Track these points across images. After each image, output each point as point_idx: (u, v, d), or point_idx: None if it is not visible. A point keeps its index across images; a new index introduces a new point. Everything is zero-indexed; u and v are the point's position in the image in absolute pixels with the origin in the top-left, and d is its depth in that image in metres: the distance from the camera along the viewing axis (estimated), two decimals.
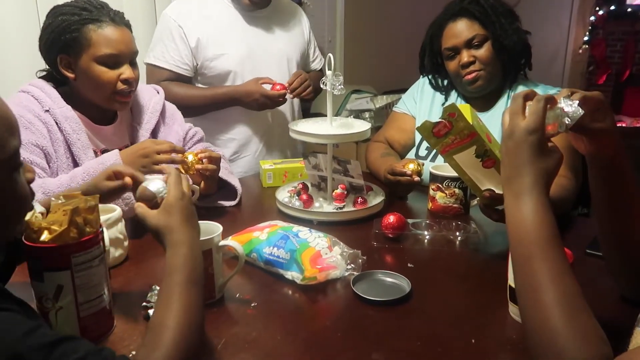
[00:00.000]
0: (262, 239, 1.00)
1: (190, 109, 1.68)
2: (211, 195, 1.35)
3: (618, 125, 4.65)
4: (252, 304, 0.87)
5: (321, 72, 1.95)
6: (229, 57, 1.67)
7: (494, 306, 0.86)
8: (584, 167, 1.39)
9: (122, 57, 1.21)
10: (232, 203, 1.37)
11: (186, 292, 0.67)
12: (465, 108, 0.98)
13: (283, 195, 1.34)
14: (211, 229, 0.87)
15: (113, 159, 1.13)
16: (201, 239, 0.83)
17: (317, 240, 0.98)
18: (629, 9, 4.85)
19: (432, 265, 1.04)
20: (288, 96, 1.61)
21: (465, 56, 1.38)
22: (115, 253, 0.99)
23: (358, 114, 3.12)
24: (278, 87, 1.58)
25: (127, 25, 1.23)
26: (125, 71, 1.21)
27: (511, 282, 0.80)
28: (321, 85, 1.26)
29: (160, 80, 1.66)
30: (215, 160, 1.25)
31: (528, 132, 0.66)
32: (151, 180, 0.79)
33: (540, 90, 1.41)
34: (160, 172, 1.09)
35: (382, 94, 3.40)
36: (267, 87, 1.59)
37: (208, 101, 1.68)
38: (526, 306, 0.61)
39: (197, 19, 1.66)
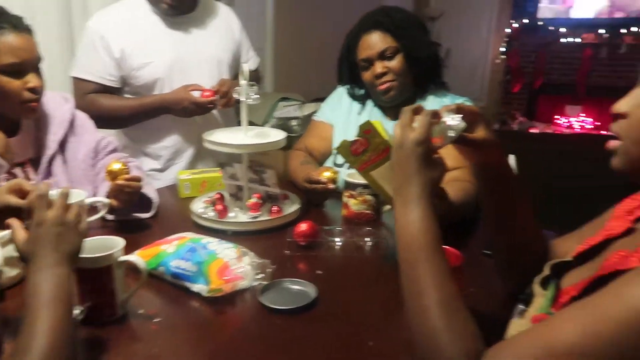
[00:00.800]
0: (170, 251, 0.99)
1: (119, 120, 1.66)
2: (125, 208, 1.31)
3: (532, 131, 4.98)
4: (155, 319, 0.86)
5: (257, 72, 1.95)
6: (155, 65, 1.64)
7: (396, 309, 0.90)
8: None
9: (26, 65, 1.15)
10: (148, 215, 1.34)
11: (50, 313, 0.66)
12: (378, 124, 1.02)
13: (198, 206, 1.33)
14: (111, 244, 0.85)
15: None
16: (100, 254, 0.81)
17: (226, 252, 0.98)
18: (540, 22, 5.22)
19: (342, 271, 1.07)
20: (217, 103, 1.59)
21: (378, 67, 1.43)
22: (10, 272, 0.94)
23: (285, 122, 3.15)
24: (207, 93, 1.57)
25: (29, 30, 1.18)
26: (31, 80, 1.15)
27: None
28: (234, 95, 1.26)
29: (87, 92, 1.61)
30: (136, 188, 1.24)
31: (416, 144, 0.70)
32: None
33: (449, 100, 1.50)
34: None
35: (310, 102, 3.45)
36: (197, 93, 1.57)
37: (136, 111, 1.64)
38: (410, 308, 0.65)
39: (120, 28, 1.62)
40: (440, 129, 0.74)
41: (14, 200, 0.81)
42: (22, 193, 0.82)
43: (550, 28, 5.15)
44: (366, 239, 1.17)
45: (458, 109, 0.75)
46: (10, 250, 0.94)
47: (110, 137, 1.51)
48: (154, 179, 1.70)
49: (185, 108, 1.58)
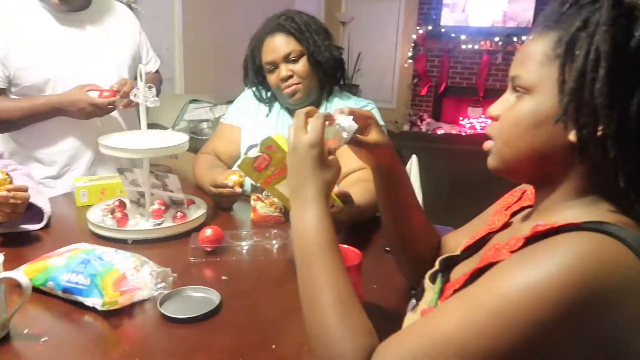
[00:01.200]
0: (60, 265, 0.92)
1: (6, 123, 1.51)
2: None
3: (438, 132, 5.26)
4: (42, 339, 0.80)
5: (158, 74, 1.87)
6: (45, 65, 1.51)
7: (299, 310, 0.90)
8: None
9: None
10: (38, 226, 1.24)
11: None
12: (280, 138, 1.02)
13: (95, 214, 1.25)
14: None
15: None
16: None
17: (123, 262, 0.93)
18: (443, 29, 5.54)
19: (247, 275, 1.06)
20: (117, 104, 1.50)
21: (283, 70, 1.44)
22: None
23: (196, 124, 3.07)
24: (106, 93, 1.47)
25: None
26: None
27: None
28: (131, 97, 1.21)
29: None
30: (22, 198, 1.13)
31: (310, 146, 0.71)
32: None
33: (353, 103, 1.54)
34: None
35: (223, 104, 3.39)
36: (95, 94, 1.47)
37: (26, 113, 1.50)
38: (306, 307, 0.65)
39: (6, 26, 1.48)
40: (334, 131, 0.76)
41: None
42: None
43: (452, 35, 5.48)
44: (273, 242, 1.17)
45: (350, 112, 0.77)
46: None
47: None
48: (47, 187, 1.58)
49: (82, 109, 1.47)
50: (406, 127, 5.60)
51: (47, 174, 1.62)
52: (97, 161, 1.66)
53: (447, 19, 5.58)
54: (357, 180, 1.39)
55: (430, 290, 0.69)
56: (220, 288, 0.94)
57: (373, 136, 0.80)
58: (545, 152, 0.59)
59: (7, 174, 1.12)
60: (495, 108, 0.65)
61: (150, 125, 1.73)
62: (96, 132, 1.63)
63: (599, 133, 0.54)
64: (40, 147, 1.60)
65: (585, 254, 0.49)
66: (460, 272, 0.69)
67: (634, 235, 0.51)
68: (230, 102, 3.43)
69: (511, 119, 0.62)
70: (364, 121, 0.79)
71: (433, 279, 0.72)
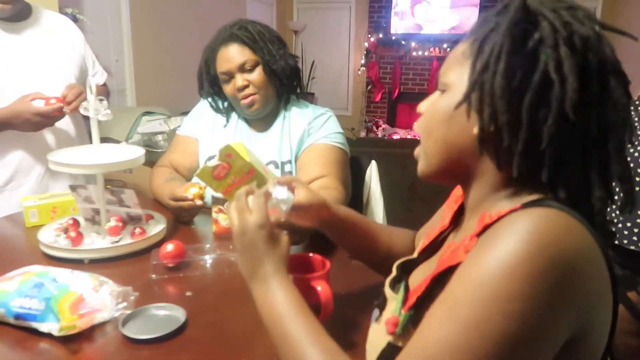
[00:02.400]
0: (11, 290, 0.87)
1: None
2: None
3: (394, 137, 5.35)
4: None
5: (105, 87, 1.82)
6: None
7: None
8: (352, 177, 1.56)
9: None
10: None
11: None
12: (238, 146, 1.00)
13: (47, 234, 1.19)
14: None
15: None
16: None
17: (80, 283, 0.89)
18: (394, 37, 5.67)
19: (212, 289, 1.04)
20: (66, 109, 1.43)
21: (239, 80, 1.42)
22: None
23: (150, 137, 2.99)
24: (52, 100, 1.41)
25: None
26: None
27: None
28: (82, 111, 1.16)
29: None
30: None
31: (259, 227, 0.72)
32: None
33: (311, 111, 1.54)
34: None
35: (178, 115, 3.32)
36: (40, 103, 1.40)
37: None
38: None
39: None
40: (272, 204, 0.77)
41: None
42: None
43: (403, 42, 5.62)
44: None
45: (280, 182, 0.79)
46: None
47: None
48: None
49: (28, 120, 1.41)
50: (362, 134, 5.67)
51: None
52: (49, 176, 1.59)
53: (397, 27, 5.71)
54: (319, 188, 1.38)
55: (393, 299, 0.68)
56: (185, 304, 0.91)
57: (302, 197, 0.82)
58: (457, 144, 0.62)
59: None
60: (422, 105, 0.69)
61: (103, 139, 1.68)
62: (46, 145, 1.57)
63: (496, 124, 0.57)
64: None
65: (539, 225, 0.51)
66: (419, 276, 0.69)
67: (570, 210, 0.54)
68: (184, 113, 3.37)
69: (430, 112, 0.66)
70: (290, 186, 0.82)
71: (393, 286, 0.72)
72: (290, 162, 1.47)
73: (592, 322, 0.54)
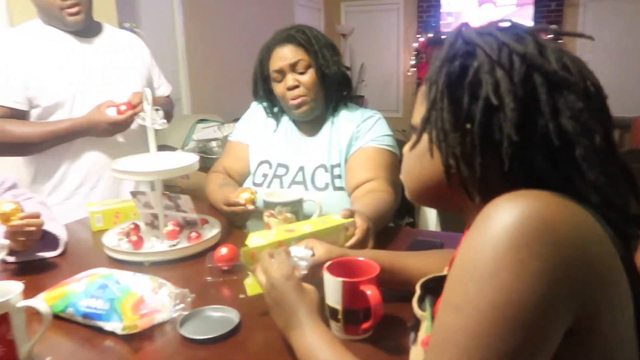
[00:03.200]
0: (79, 291, 0.92)
1: (29, 147, 1.58)
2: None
3: None
4: None
5: (169, 98, 1.91)
6: (65, 85, 1.58)
7: None
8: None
9: None
10: (55, 253, 1.25)
11: None
12: (256, 237, 1.01)
13: (111, 238, 1.26)
14: (7, 289, 0.78)
15: None
16: None
17: (141, 285, 0.93)
18: (443, 36, 5.56)
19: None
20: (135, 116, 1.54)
21: (290, 79, 1.45)
22: None
23: (205, 144, 3.09)
24: (122, 107, 1.52)
25: None
26: None
27: (328, 301, 0.84)
28: (139, 121, 1.22)
29: None
30: (37, 225, 1.15)
31: (286, 279, 0.78)
32: None
33: (359, 114, 1.54)
34: None
35: (231, 122, 3.41)
36: (112, 110, 1.52)
37: (50, 137, 1.56)
38: None
39: (27, 50, 1.56)
40: (293, 262, 0.85)
41: None
42: None
43: None
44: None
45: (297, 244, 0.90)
46: None
47: (8, 173, 1.40)
48: (70, 207, 1.60)
49: (104, 129, 1.54)
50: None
51: (68, 196, 1.65)
52: (118, 181, 1.69)
53: (447, 26, 5.60)
54: (368, 192, 1.38)
55: (424, 318, 0.67)
56: (238, 306, 0.94)
57: (320, 253, 0.90)
58: (432, 179, 0.64)
59: (18, 204, 1.13)
60: (405, 147, 0.72)
61: (160, 147, 1.76)
62: (114, 151, 1.67)
63: (454, 158, 0.59)
64: (60, 167, 1.64)
65: (525, 199, 0.50)
66: None
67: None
68: (237, 119, 3.46)
69: (406, 153, 0.70)
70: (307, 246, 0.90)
71: (419, 306, 0.70)
72: (339, 165, 1.48)
73: (600, 309, 0.51)
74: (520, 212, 0.49)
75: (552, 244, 0.48)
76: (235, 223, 1.41)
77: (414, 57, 5.78)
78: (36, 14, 1.63)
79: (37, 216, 1.16)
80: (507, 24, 0.60)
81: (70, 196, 1.66)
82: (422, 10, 5.72)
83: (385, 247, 1.24)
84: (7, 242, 1.14)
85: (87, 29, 1.64)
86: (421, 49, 5.70)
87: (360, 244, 1.10)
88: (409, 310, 0.89)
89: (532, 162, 0.55)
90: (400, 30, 5.96)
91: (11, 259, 1.18)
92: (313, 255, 0.89)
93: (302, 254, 0.86)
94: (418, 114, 0.65)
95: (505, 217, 0.49)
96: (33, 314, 0.81)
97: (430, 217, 1.68)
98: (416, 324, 0.68)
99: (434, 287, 0.69)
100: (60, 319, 0.92)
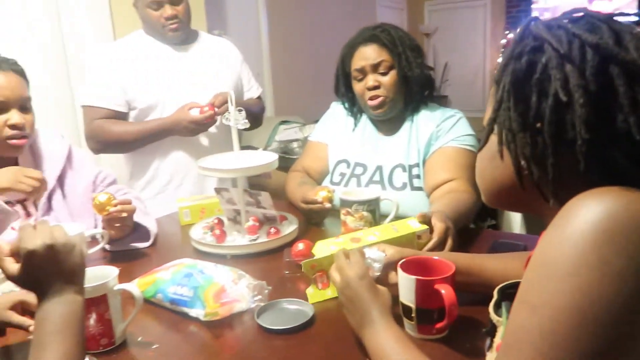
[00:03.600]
0: (167, 278, 1.00)
1: (126, 145, 1.74)
2: (123, 239, 1.32)
3: None
4: (154, 346, 0.86)
5: (259, 100, 2.00)
6: (159, 90, 1.72)
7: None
8: None
9: (8, 103, 1.20)
10: (146, 244, 1.35)
11: (59, 343, 0.64)
12: (319, 244, 1.02)
13: (197, 231, 1.34)
14: (106, 273, 0.86)
15: None
16: (95, 284, 0.82)
17: (222, 275, 0.98)
18: None
19: None
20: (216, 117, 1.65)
21: (370, 79, 1.45)
22: None
23: (287, 144, 3.17)
24: (205, 108, 1.62)
25: (16, 71, 1.22)
26: (13, 116, 1.19)
27: (401, 299, 0.83)
28: (223, 121, 1.28)
29: (94, 118, 1.70)
30: (129, 211, 1.26)
31: (360, 278, 0.79)
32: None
33: (439, 113, 1.51)
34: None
35: (311, 123, 3.48)
36: (195, 111, 1.63)
37: (141, 135, 1.71)
38: None
39: (127, 59, 1.72)
40: (367, 264, 0.86)
41: (15, 318, 0.84)
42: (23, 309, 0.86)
43: None
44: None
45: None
46: (11, 286, 0.95)
47: (109, 170, 1.54)
48: (160, 202, 1.73)
49: (186, 127, 1.64)
50: None
51: (160, 191, 1.78)
52: (203, 178, 1.80)
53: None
54: (448, 192, 1.35)
55: (500, 324, 0.65)
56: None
57: (391, 254, 0.90)
58: (505, 182, 0.62)
59: (111, 194, 1.24)
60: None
61: (244, 147, 1.84)
62: (199, 150, 1.78)
63: (525, 158, 0.56)
64: (151, 163, 1.79)
65: (604, 198, 0.47)
66: None
67: None
68: (317, 121, 3.52)
69: (478, 156, 0.69)
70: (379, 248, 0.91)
71: (495, 311, 0.67)
72: (417, 165, 1.46)
73: None
74: (605, 209, 0.46)
75: (639, 242, 0.45)
76: (313, 220, 1.44)
77: (501, 55, 5.53)
78: (140, 25, 1.78)
79: (129, 202, 1.26)
80: (580, 14, 0.57)
81: (161, 192, 1.79)
82: (512, 5, 5.46)
83: (466, 250, 1.20)
84: (107, 232, 1.25)
85: (184, 39, 1.77)
86: (509, 45, 5.45)
87: (440, 246, 1.07)
88: (486, 313, 0.87)
89: (611, 159, 0.52)
90: (487, 27, 5.73)
91: (108, 247, 1.30)
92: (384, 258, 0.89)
93: (375, 256, 0.87)
94: (487, 113, 0.64)
95: (588, 213, 0.47)
96: (126, 298, 0.89)
97: (514, 219, 1.60)
98: (492, 330, 0.66)
99: (512, 294, 0.67)
100: (150, 304, 0.99)
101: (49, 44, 2.24)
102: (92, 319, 0.83)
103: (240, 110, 1.27)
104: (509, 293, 0.66)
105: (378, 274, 0.86)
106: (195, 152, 1.74)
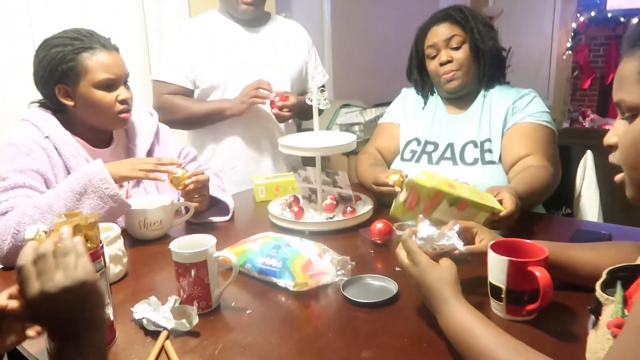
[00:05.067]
0: (255, 249, 1.05)
1: (192, 121, 1.80)
2: (203, 212, 1.39)
3: (604, 127, 4.70)
4: (247, 311, 0.92)
5: (323, 87, 2.02)
6: (220, 73, 1.77)
7: (476, 304, 0.90)
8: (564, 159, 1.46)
9: (118, 79, 1.27)
10: (225, 218, 1.41)
11: None
12: (419, 178, 1.06)
13: (275, 208, 1.39)
14: (205, 241, 0.92)
15: (98, 169, 1.16)
16: (196, 250, 0.88)
17: (308, 249, 1.02)
18: (610, 14, 4.98)
19: None
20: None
21: (443, 55, 1.47)
22: (115, 269, 1.03)
23: (348, 128, 3.19)
24: (277, 98, 1.68)
25: (117, 49, 1.30)
26: (122, 92, 1.28)
27: (491, 279, 0.84)
28: (307, 101, 1.32)
29: (163, 92, 1.77)
30: (204, 180, 1.31)
31: (415, 265, 0.82)
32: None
33: (515, 92, 1.49)
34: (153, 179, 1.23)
35: (371, 107, 3.48)
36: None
37: (202, 113, 1.76)
38: None
39: (197, 38, 1.78)
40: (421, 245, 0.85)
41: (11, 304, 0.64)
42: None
43: (622, 19, 4.89)
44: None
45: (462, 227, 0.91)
46: (115, 249, 1.03)
47: (190, 147, 1.61)
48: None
49: (241, 100, 1.68)
50: (565, 125, 5.13)
51: (217, 170, 1.85)
52: (255, 163, 1.86)
53: (616, 1, 4.98)
54: (526, 167, 1.35)
55: (609, 302, 0.64)
56: (395, 278, 0.98)
57: (484, 242, 0.89)
58: None
59: (185, 169, 1.29)
60: (609, 136, 0.64)
61: (304, 131, 1.86)
62: (253, 134, 1.84)
63: None
64: (209, 143, 1.86)
65: None
66: None
67: None
68: (378, 105, 3.51)
69: (627, 142, 0.61)
70: (469, 232, 0.90)
71: (604, 290, 0.66)
72: (489, 140, 1.45)
73: None
74: None
75: None
76: (384, 201, 1.46)
77: (571, 39, 5.26)
78: (215, 5, 1.83)
79: (201, 172, 1.31)
80: None
81: (219, 172, 1.84)
82: None
83: (547, 238, 1.18)
84: (192, 204, 1.32)
85: (256, 19, 1.80)
86: (580, 29, 5.17)
87: (507, 222, 1.11)
88: (575, 299, 0.87)
89: None
90: (557, 10, 5.45)
91: (191, 219, 1.36)
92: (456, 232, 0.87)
93: (424, 234, 0.86)
94: (630, 94, 0.60)
95: None
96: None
97: (591, 208, 1.55)
98: (597, 308, 0.66)
99: (625, 276, 0.66)
100: (239, 273, 1.04)
101: (132, 21, 2.34)
102: (192, 283, 0.89)
103: (322, 91, 1.30)
104: (621, 276, 0.65)
105: (446, 249, 0.86)
106: (249, 137, 1.82)
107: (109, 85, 1.26)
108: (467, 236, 0.93)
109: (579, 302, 0.87)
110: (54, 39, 1.25)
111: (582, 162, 1.54)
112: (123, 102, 1.28)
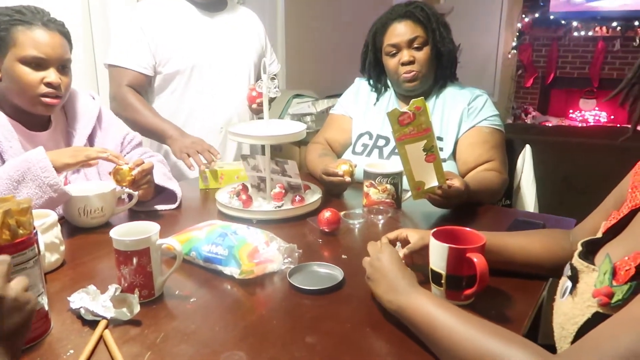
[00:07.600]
0: (201, 237, 1.03)
1: (134, 125, 1.72)
2: (149, 200, 1.36)
3: (544, 124, 4.89)
4: (192, 299, 0.90)
5: (275, 77, 2.02)
6: (188, 55, 1.73)
7: None
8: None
9: (48, 61, 1.20)
10: (172, 207, 1.38)
11: None
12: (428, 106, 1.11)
13: (223, 196, 1.37)
14: (148, 228, 0.89)
15: (39, 157, 1.11)
16: (138, 237, 0.86)
17: (255, 237, 1.02)
18: (552, 16, 5.20)
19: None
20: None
21: (406, 55, 1.48)
22: (51, 258, 0.98)
23: (300, 118, 3.18)
24: (254, 93, 1.71)
25: (62, 32, 1.24)
26: (51, 75, 1.21)
27: (432, 265, 0.87)
28: (257, 88, 1.30)
29: (123, 81, 1.69)
30: (148, 169, 1.28)
31: (390, 255, 0.87)
32: None
33: (468, 92, 1.54)
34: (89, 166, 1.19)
35: (323, 98, 3.48)
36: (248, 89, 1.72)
37: (151, 128, 1.71)
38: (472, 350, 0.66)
39: (157, 20, 1.72)
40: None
41: None
42: None
43: (562, 22, 5.13)
44: (379, 217, 1.25)
45: (390, 239, 0.98)
46: (51, 236, 0.98)
47: (135, 132, 1.56)
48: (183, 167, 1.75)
49: (186, 146, 1.62)
50: (509, 121, 5.34)
51: None
52: (223, 146, 1.84)
53: (558, 4, 5.22)
54: (485, 171, 1.44)
55: (590, 270, 0.67)
56: (341, 265, 1.00)
57: (415, 240, 0.95)
58: None
59: (126, 162, 1.24)
60: None
61: (260, 119, 1.86)
62: (218, 120, 1.81)
63: None
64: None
65: None
66: (620, 252, 0.66)
67: None
68: (331, 96, 3.52)
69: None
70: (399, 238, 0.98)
71: (585, 258, 0.70)
72: (440, 138, 1.49)
73: None
74: None
75: None
76: (332, 192, 1.47)
77: (516, 39, 5.47)
78: None
79: (142, 161, 1.27)
80: None
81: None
82: None
83: (486, 227, 1.23)
84: (136, 192, 1.28)
85: (214, 3, 1.77)
86: (525, 29, 5.38)
87: (445, 201, 1.21)
88: (509, 284, 0.91)
89: None
90: (504, 10, 5.65)
91: (135, 208, 1.32)
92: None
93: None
94: None
95: None
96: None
97: (528, 200, 1.63)
98: (574, 275, 0.69)
99: (595, 249, 0.71)
100: (183, 261, 1.03)
101: (73, 5, 2.23)
102: (134, 272, 0.86)
103: (273, 79, 1.29)
104: (592, 249, 0.71)
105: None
106: (213, 122, 1.79)
107: (38, 65, 1.19)
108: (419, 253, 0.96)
109: (512, 287, 0.92)
110: None
111: (521, 155, 1.62)
112: (49, 85, 1.21)
